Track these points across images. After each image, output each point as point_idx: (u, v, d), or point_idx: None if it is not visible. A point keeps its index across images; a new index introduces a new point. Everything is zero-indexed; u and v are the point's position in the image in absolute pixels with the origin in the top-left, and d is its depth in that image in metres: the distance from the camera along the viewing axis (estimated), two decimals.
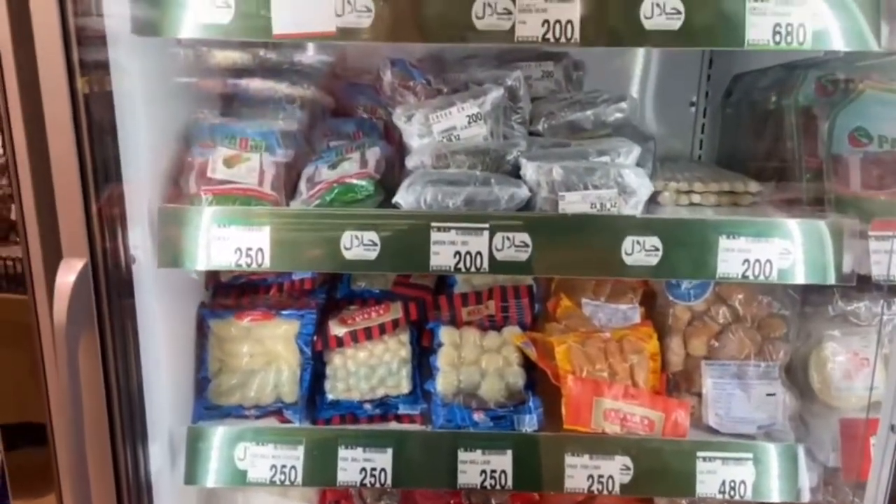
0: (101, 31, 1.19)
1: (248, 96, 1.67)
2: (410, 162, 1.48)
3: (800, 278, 1.34)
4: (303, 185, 1.47)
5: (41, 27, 1.11)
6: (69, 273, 1.06)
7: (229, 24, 1.24)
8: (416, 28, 1.25)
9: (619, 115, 1.64)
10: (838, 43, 1.22)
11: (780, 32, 1.22)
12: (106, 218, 1.16)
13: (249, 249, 1.34)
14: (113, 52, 1.20)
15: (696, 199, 1.61)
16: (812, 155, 1.57)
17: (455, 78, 1.69)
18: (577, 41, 1.24)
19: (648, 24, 1.23)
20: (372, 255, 1.35)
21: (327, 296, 1.70)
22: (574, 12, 1.24)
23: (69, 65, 1.11)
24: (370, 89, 1.85)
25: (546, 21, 1.24)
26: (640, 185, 1.35)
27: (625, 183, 1.34)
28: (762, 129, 1.78)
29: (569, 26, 1.24)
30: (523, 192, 1.37)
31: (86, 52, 1.15)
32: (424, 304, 1.64)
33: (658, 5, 1.22)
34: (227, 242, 1.34)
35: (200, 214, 1.34)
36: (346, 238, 1.35)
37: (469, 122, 1.52)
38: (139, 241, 1.30)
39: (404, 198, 1.37)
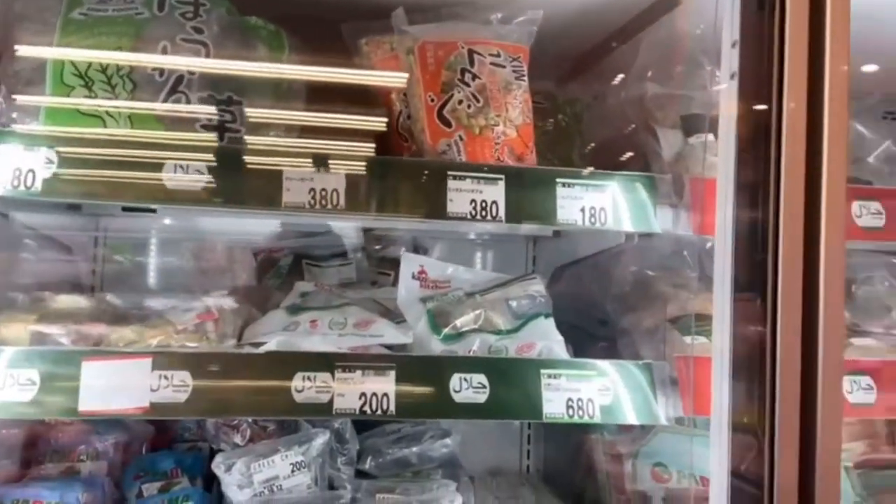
0: None
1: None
2: None
3: None
4: None
5: None
6: None
7: (30, 402, 1.18)
8: (235, 403, 1.27)
9: (444, 450, 1.69)
10: (631, 417, 1.37)
11: (572, 406, 1.36)
12: None
13: None
14: None
15: None
16: (621, 491, 1.69)
17: None
18: (394, 413, 1.31)
19: (458, 398, 1.33)
20: None
21: None
22: (390, 386, 1.32)
23: None
24: None
25: (363, 394, 1.31)
26: None
27: None
28: None
29: (385, 399, 1.31)
30: None
31: None
32: None
33: (465, 379, 1.34)
34: None
35: None
36: None
37: (293, 471, 1.50)
38: None
39: None
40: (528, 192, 1.38)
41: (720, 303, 1.18)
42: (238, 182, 1.28)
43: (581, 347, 1.60)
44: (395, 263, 2.07)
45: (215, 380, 1.26)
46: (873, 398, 1.43)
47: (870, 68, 1.93)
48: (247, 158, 1.30)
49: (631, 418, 1.38)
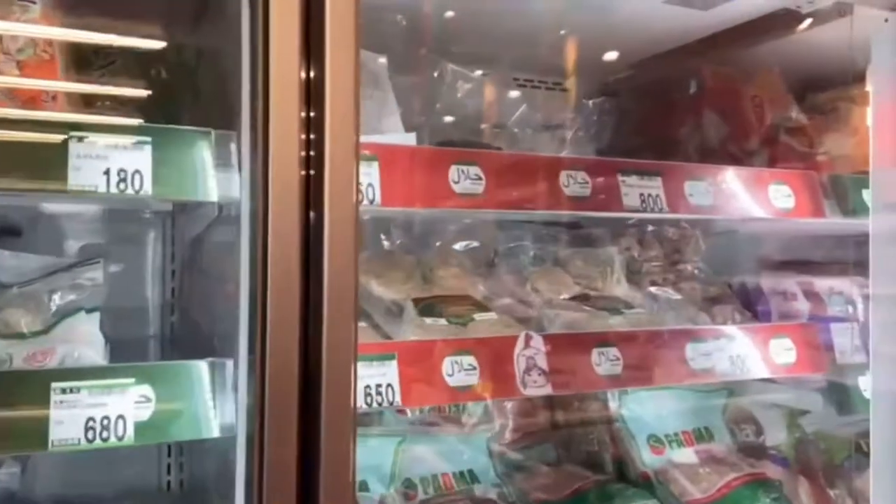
0: None
1: None
2: None
3: None
4: None
5: None
6: None
7: None
8: None
9: None
10: (178, 432, 1.10)
11: (93, 428, 1.05)
12: None
13: None
14: None
15: None
16: None
17: None
18: None
19: None
20: None
21: None
22: None
23: None
24: None
25: None
26: None
27: None
28: None
29: None
30: None
31: None
32: None
33: None
34: None
35: None
36: None
37: None
38: None
39: None
40: (22, 148, 1.04)
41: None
42: None
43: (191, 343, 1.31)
44: None
45: None
46: (475, 378, 1.31)
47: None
48: None
49: (178, 434, 1.11)
